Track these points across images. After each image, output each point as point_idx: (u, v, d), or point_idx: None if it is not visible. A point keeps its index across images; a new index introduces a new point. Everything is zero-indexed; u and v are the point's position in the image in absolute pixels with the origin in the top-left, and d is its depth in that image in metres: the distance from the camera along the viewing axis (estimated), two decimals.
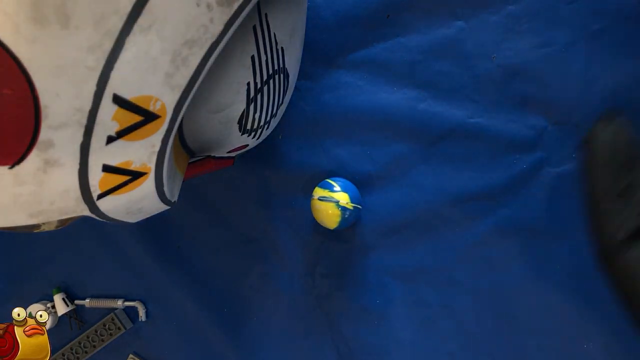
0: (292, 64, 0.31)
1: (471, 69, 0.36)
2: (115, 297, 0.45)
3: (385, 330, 0.40)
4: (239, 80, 0.26)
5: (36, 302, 0.46)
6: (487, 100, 0.36)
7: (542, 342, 0.37)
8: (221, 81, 0.26)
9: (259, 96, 0.28)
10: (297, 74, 0.34)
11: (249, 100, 0.27)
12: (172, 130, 0.22)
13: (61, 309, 0.45)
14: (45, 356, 0.32)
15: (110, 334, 0.45)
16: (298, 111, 0.40)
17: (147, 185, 0.24)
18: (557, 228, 0.36)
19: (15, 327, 0.31)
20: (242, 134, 0.30)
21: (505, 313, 0.37)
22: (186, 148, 0.29)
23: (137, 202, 0.24)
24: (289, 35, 0.28)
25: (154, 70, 0.20)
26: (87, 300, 0.45)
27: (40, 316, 0.32)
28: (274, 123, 0.33)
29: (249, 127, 0.29)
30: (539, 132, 0.36)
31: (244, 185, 0.42)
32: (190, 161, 0.32)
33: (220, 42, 0.21)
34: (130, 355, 0.46)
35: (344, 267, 0.40)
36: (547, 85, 0.35)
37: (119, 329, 0.45)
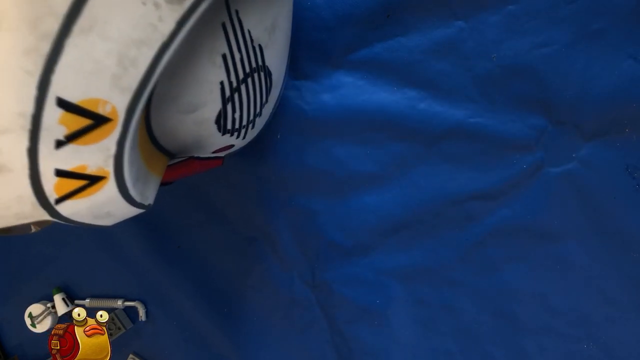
0: (275, 61, 0.30)
1: (471, 69, 0.36)
2: (115, 297, 0.45)
3: (385, 330, 0.40)
4: (210, 80, 0.25)
5: (36, 302, 0.46)
6: (487, 100, 0.36)
7: (542, 342, 0.37)
8: (190, 80, 0.25)
9: (236, 95, 0.27)
10: (283, 72, 0.33)
11: (224, 100, 0.27)
12: (128, 132, 0.21)
13: (61, 309, 0.45)
14: (106, 356, 0.32)
15: (110, 334, 0.45)
16: (298, 111, 0.40)
17: (109, 189, 0.23)
18: (557, 228, 0.36)
19: (76, 327, 0.31)
20: (223, 134, 0.29)
21: (505, 313, 0.37)
22: (162, 149, 0.28)
23: (102, 206, 0.24)
24: (268, 31, 0.27)
25: (99, 73, 0.19)
26: (87, 300, 0.45)
27: (101, 316, 0.32)
28: (260, 122, 0.32)
29: (229, 127, 0.29)
30: (539, 132, 0.36)
31: (244, 185, 0.42)
32: (171, 163, 0.31)
33: (173, 41, 0.20)
34: (130, 355, 0.46)
35: (344, 266, 0.40)
36: (547, 85, 0.35)
37: (119, 329, 0.45)
